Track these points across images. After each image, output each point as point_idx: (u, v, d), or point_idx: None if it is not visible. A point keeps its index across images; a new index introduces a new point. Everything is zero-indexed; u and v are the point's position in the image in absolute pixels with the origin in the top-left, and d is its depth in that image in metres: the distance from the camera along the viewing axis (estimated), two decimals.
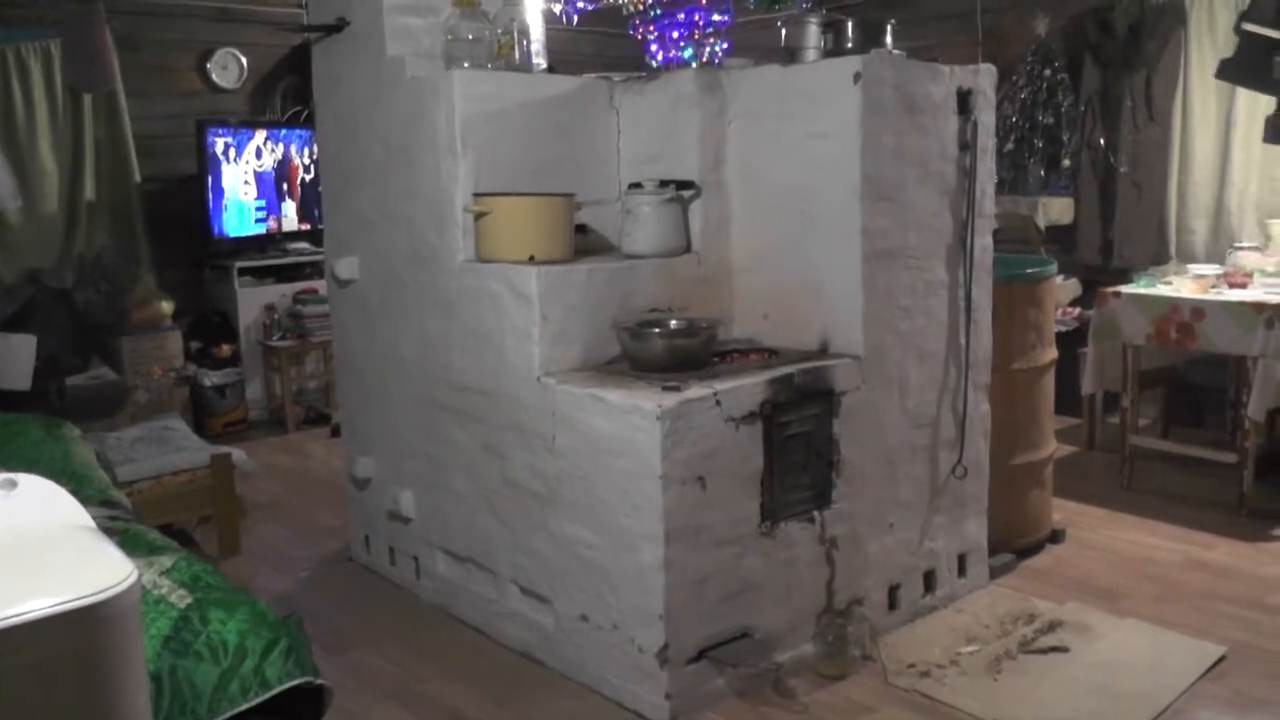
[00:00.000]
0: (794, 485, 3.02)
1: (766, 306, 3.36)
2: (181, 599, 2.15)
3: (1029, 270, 3.95)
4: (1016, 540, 3.88)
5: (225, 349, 6.12)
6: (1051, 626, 3.31)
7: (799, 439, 3.02)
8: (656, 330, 3.11)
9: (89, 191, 5.90)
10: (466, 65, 3.29)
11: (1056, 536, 4.06)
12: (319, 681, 2.04)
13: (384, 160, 3.57)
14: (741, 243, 3.42)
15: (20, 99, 5.62)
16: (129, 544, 2.49)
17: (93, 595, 1.31)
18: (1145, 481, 4.70)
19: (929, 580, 3.46)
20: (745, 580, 2.93)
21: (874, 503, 3.24)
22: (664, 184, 3.32)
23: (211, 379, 6.02)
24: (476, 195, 3.20)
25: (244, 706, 1.96)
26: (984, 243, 3.49)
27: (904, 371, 3.29)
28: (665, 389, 2.81)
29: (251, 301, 6.22)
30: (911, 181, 3.22)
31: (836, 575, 3.14)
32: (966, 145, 3.37)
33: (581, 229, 3.45)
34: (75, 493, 3.05)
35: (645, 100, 3.48)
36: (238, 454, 4.31)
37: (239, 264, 6.16)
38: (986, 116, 3.44)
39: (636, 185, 3.35)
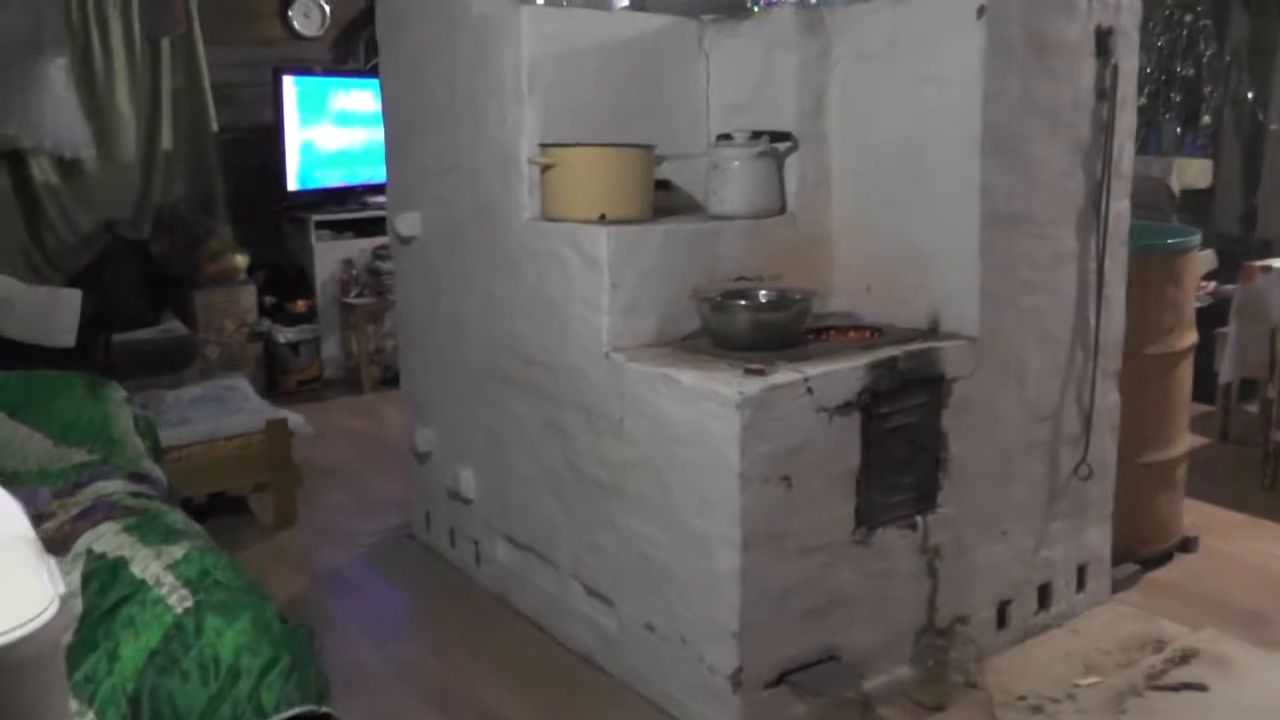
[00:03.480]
0: (894, 486, 2.65)
1: (869, 277, 2.98)
2: (181, 600, 1.89)
3: (1169, 240, 3.49)
4: (1141, 549, 3.43)
5: (301, 305, 5.93)
6: (1185, 657, 2.88)
7: (901, 433, 2.64)
8: (742, 303, 2.77)
9: (166, 141, 5.76)
10: (538, 1, 2.95)
11: (1187, 545, 3.60)
12: (324, 710, 1.76)
13: (448, 107, 3.26)
14: (843, 203, 3.03)
15: (99, 46, 5.47)
16: (144, 527, 2.26)
17: None
18: None
19: (1043, 595, 3.06)
20: (834, 594, 2.57)
21: (985, 506, 2.85)
22: (756, 135, 2.96)
23: (286, 335, 5.83)
24: (543, 146, 2.88)
25: None
26: (1120, 208, 3.04)
27: (1023, 356, 2.88)
28: (748, 372, 2.46)
29: (329, 256, 6.00)
30: (1039, 135, 2.80)
31: (939, 589, 2.76)
32: (1104, 94, 2.92)
33: (663, 185, 3.12)
34: (103, 461, 2.86)
35: (738, 42, 3.11)
36: (295, 418, 4.08)
37: (316, 217, 5.95)
38: (1129, 60, 2.98)
39: (725, 137, 3.02)
